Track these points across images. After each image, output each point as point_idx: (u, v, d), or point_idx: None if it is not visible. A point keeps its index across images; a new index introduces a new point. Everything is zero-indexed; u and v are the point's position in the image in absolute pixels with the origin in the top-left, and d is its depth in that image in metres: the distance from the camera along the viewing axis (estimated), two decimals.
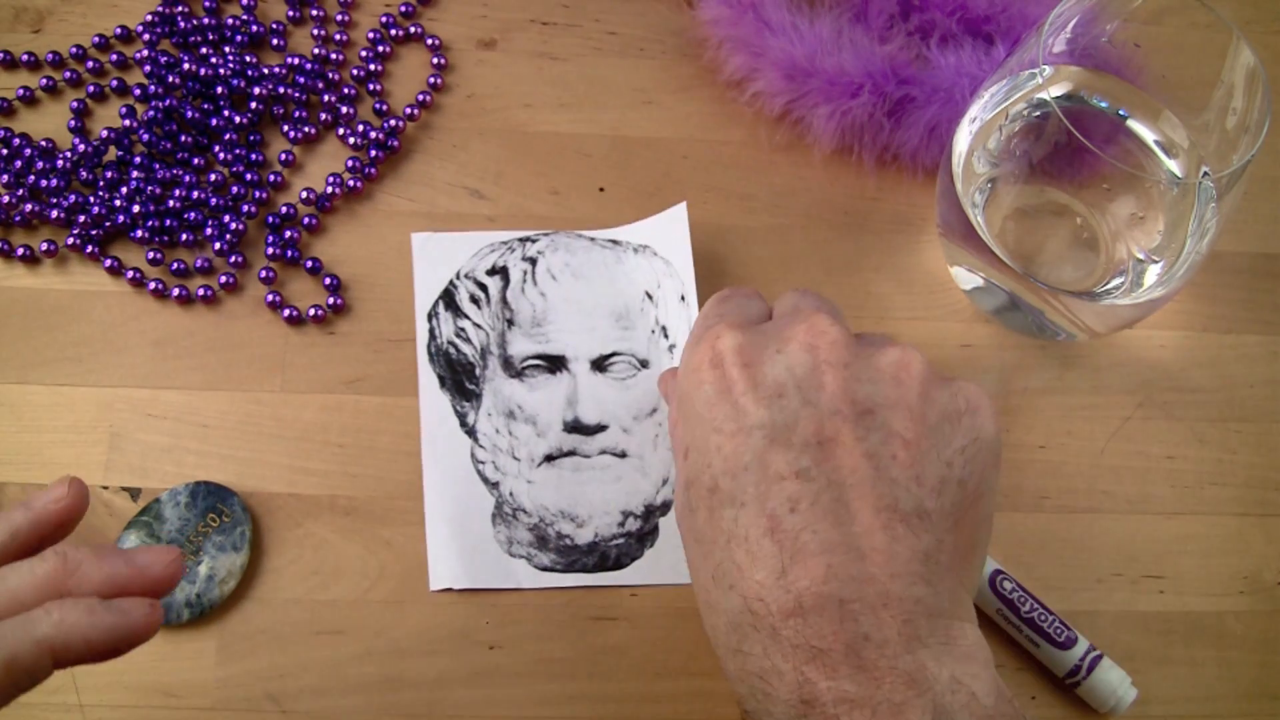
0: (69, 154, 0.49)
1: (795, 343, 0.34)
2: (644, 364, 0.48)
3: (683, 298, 0.49)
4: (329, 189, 0.49)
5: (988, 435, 0.34)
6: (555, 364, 0.48)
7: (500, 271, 0.49)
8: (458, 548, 0.45)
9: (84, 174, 0.49)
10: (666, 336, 0.48)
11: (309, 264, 0.48)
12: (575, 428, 0.47)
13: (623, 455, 0.46)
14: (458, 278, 0.49)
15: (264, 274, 0.48)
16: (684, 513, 0.35)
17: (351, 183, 0.50)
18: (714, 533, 0.32)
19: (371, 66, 0.52)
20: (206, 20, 0.52)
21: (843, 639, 0.29)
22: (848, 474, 0.32)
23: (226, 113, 0.50)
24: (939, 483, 0.32)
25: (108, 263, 0.47)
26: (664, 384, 0.42)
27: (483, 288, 0.49)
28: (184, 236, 0.48)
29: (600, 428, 0.47)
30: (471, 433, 0.46)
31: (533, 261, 0.49)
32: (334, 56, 0.52)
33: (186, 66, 0.50)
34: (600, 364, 0.48)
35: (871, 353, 0.34)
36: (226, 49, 0.52)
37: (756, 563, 0.31)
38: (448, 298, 0.48)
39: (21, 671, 0.29)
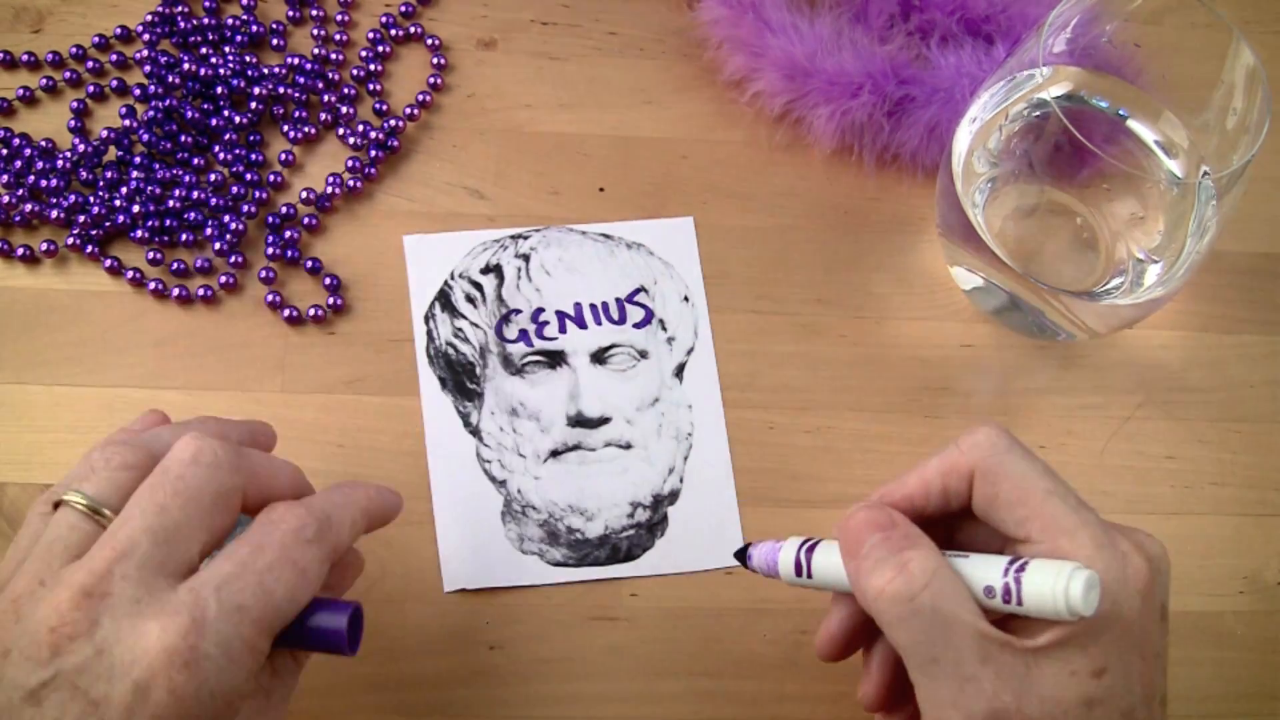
0: (69, 154, 0.49)
1: (1166, 565, 0.35)
2: (643, 354, 0.48)
3: (686, 299, 0.49)
4: (329, 189, 0.49)
5: None
6: (555, 359, 0.48)
7: (494, 269, 0.49)
8: (469, 548, 0.45)
9: (84, 174, 0.49)
10: (665, 329, 0.49)
11: (309, 264, 0.48)
12: (579, 421, 0.47)
13: (628, 446, 0.47)
14: (452, 278, 0.49)
15: (264, 274, 0.48)
16: None
17: (351, 183, 0.50)
18: None
19: (371, 66, 0.52)
20: (206, 20, 0.52)
21: None
22: None
23: (226, 113, 0.50)
24: None
25: (108, 263, 0.47)
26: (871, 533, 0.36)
27: (478, 286, 0.49)
28: (184, 236, 0.48)
29: (604, 420, 0.47)
30: (475, 432, 0.46)
31: (526, 258, 0.49)
32: (334, 56, 0.52)
33: (186, 66, 0.50)
34: (600, 356, 0.48)
35: None
36: (226, 49, 0.52)
37: None
38: (443, 299, 0.48)
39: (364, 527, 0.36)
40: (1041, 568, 0.32)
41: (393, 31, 0.53)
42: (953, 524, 0.38)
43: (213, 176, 0.50)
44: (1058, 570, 0.32)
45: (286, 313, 0.48)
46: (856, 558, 0.35)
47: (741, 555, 0.40)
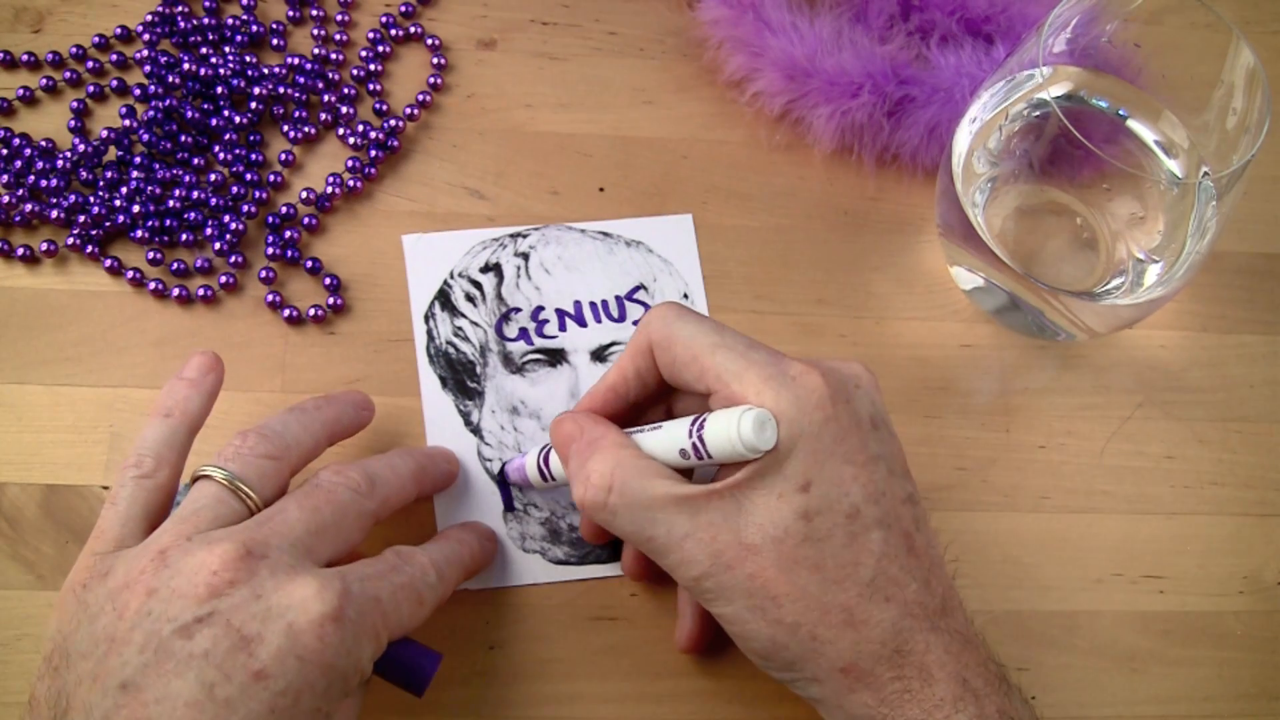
0: (69, 154, 0.49)
1: (865, 380, 0.38)
2: None
3: (685, 296, 0.49)
4: (329, 189, 0.49)
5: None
6: (555, 357, 0.48)
7: (494, 268, 0.49)
8: None
9: (84, 174, 0.49)
10: None
11: (309, 264, 0.48)
12: None
13: None
14: (451, 277, 0.49)
15: (264, 274, 0.48)
16: (796, 543, 0.35)
17: (351, 183, 0.50)
18: (859, 554, 0.35)
19: (371, 66, 0.52)
20: (206, 20, 0.52)
21: (967, 629, 0.37)
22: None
23: (226, 113, 0.50)
24: None
25: (108, 263, 0.47)
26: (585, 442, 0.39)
27: (477, 285, 0.49)
28: (184, 236, 0.48)
29: None
30: (476, 431, 0.46)
31: (525, 256, 0.49)
32: (334, 56, 0.52)
33: (186, 66, 0.50)
34: (600, 354, 0.48)
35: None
36: (226, 49, 0.52)
37: (909, 574, 0.36)
38: (443, 298, 0.48)
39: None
40: (716, 419, 0.35)
41: (393, 31, 0.53)
42: (671, 400, 0.41)
43: (213, 176, 0.50)
44: (728, 417, 0.35)
45: (286, 313, 0.48)
46: (567, 472, 0.39)
47: (501, 477, 0.45)
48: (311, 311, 0.48)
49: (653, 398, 0.41)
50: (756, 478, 0.35)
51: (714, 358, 0.37)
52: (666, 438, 0.37)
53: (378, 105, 0.52)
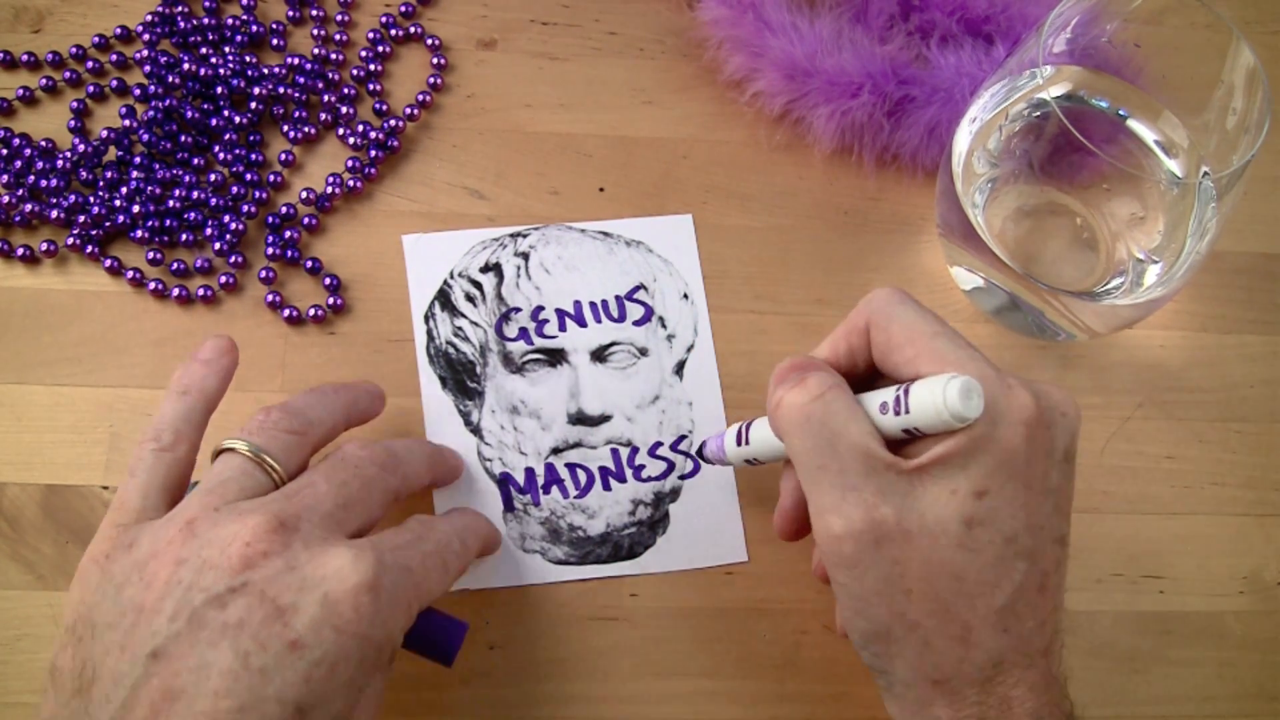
0: (69, 154, 0.49)
1: (1071, 411, 0.37)
2: (643, 352, 0.48)
3: (685, 296, 0.49)
4: (329, 189, 0.49)
5: None
6: (555, 357, 0.48)
7: (494, 268, 0.49)
8: None
9: (84, 174, 0.49)
10: (665, 327, 0.49)
11: (309, 264, 0.48)
12: (579, 419, 0.47)
13: (628, 444, 0.47)
14: (451, 277, 0.49)
15: (264, 274, 0.48)
16: (949, 544, 0.34)
17: (351, 183, 0.50)
18: (1000, 579, 0.35)
19: (371, 66, 0.52)
20: (206, 20, 0.52)
21: (1057, 669, 0.37)
22: None
23: (226, 113, 0.50)
24: None
25: (108, 263, 0.47)
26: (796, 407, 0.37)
27: (477, 285, 0.49)
28: (184, 236, 0.48)
29: (604, 418, 0.47)
30: (476, 431, 0.46)
31: (525, 256, 0.49)
32: (334, 56, 0.52)
33: (186, 66, 0.50)
34: (600, 354, 0.48)
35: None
36: (226, 49, 0.52)
37: (1032, 612, 0.35)
38: (443, 298, 0.48)
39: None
40: (927, 380, 0.35)
41: (393, 31, 0.53)
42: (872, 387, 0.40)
43: (213, 176, 0.50)
44: (937, 380, 0.34)
45: (286, 313, 0.48)
46: (776, 384, 0.38)
47: (700, 453, 0.45)
48: (311, 311, 0.48)
49: (859, 381, 0.40)
50: (938, 465, 0.34)
51: (933, 343, 0.36)
52: (875, 395, 0.37)
53: (378, 105, 0.52)
